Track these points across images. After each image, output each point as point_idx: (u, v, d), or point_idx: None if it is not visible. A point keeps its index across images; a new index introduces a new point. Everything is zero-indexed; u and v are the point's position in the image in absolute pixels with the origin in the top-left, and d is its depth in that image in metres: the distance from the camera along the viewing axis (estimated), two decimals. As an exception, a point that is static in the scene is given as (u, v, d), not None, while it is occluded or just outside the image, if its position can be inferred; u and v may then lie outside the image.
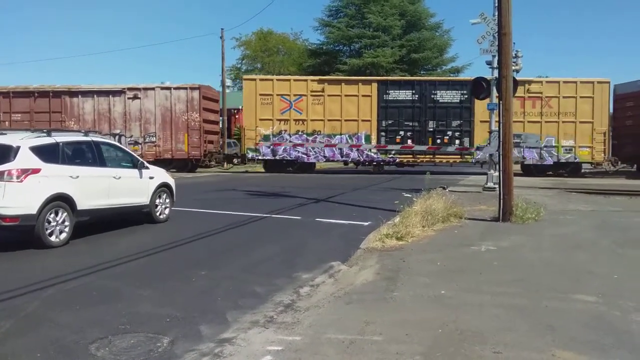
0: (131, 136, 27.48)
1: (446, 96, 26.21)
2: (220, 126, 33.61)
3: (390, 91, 26.49)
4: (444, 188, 16.28)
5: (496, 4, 13.46)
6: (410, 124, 26.37)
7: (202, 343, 4.38)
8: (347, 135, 26.53)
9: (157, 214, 10.77)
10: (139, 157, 10.83)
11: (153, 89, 27.81)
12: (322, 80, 27.53)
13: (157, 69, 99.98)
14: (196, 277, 6.56)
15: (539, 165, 25.81)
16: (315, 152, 26.73)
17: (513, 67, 14.10)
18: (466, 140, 26.08)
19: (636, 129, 25.24)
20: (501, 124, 10.70)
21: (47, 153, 8.44)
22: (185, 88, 27.74)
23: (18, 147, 8.08)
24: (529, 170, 26.05)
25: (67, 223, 8.44)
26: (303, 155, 26.77)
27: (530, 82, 25.90)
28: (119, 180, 9.67)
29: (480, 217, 10.92)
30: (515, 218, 10.40)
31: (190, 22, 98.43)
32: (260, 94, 26.75)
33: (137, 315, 5.08)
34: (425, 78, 26.65)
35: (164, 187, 11.01)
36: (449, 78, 26.35)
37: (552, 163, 25.75)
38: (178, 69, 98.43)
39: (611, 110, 27.10)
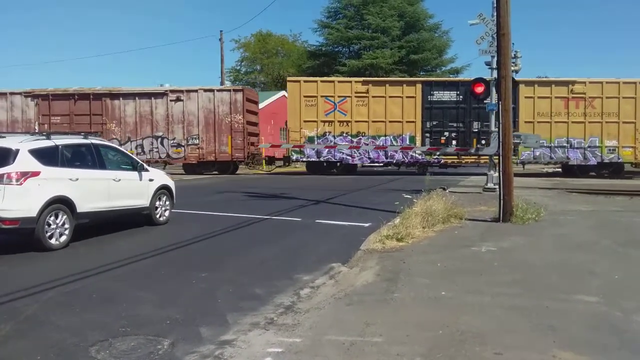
0: (174, 138, 27.51)
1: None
2: None
3: (434, 92, 26.49)
4: (444, 189, 16.28)
5: (495, 5, 13.47)
6: (455, 124, 26.40)
7: (203, 345, 4.37)
8: (391, 137, 26.51)
9: (157, 216, 10.76)
10: (138, 159, 10.83)
11: (196, 91, 27.83)
12: (366, 81, 27.53)
13: (155, 71, 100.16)
14: (196, 279, 6.55)
15: (582, 166, 26.00)
16: (359, 153, 26.71)
17: (512, 68, 14.13)
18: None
19: None
20: (500, 125, 10.70)
21: (47, 156, 8.43)
22: (229, 90, 27.93)
23: (17, 150, 8.07)
24: (571, 171, 26.25)
25: (67, 226, 8.43)
26: (347, 157, 26.77)
27: (573, 83, 26.04)
28: (118, 182, 9.67)
29: (480, 218, 10.91)
30: (515, 219, 10.40)
31: (189, 24, 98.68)
32: (305, 96, 26.78)
33: (138, 318, 5.07)
34: (469, 79, 26.57)
35: (163, 189, 11.00)
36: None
37: (595, 163, 25.93)
38: (177, 71, 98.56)
39: None
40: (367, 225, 10.41)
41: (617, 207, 13.48)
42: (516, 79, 25.95)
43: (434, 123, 26.37)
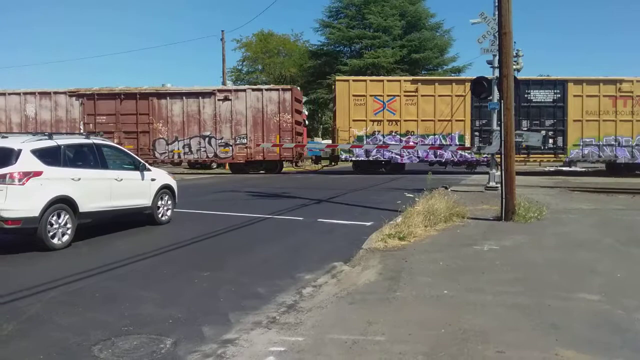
0: (222, 138, 27.45)
1: (539, 95, 26.26)
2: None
3: None
4: (446, 188, 16.29)
5: (496, 4, 13.46)
6: None
7: (205, 344, 4.38)
8: (440, 136, 26.40)
9: (159, 215, 10.77)
10: (140, 159, 10.84)
11: (244, 90, 27.86)
12: (415, 80, 27.43)
13: (157, 71, 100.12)
14: (198, 278, 6.56)
15: (630, 164, 26.09)
16: (408, 152, 26.62)
17: (514, 66, 14.12)
18: (560, 140, 26.22)
19: None
20: (502, 124, 10.69)
21: (49, 156, 8.45)
22: (277, 89, 27.84)
23: (20, 150, 8.08)
24: (618, 169, 26.27)
25: (69, 225, 8.44)
26: (396, 156, 26.72)
27: (621, 82, 26.05)
28: (120, 182, 9.68)
29: (482, 217, 10.91)
30: (517, 217, 10.39)
31: (190, 24, 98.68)
32: (353, 95, 26.68)
33: (140, 317, 5.07)
34: (519, 77, 26.55)
35: (165, 188, 11.01)
36: (542, 77, 26.38)
37: None
38: (178, 71, 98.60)
39: None
40: (369, 224, 10.41)
41: (620, 205, 13.46)
42: (564, 77, 26.29)
43: (483, 122, 26.10)
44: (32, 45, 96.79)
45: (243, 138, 27.37)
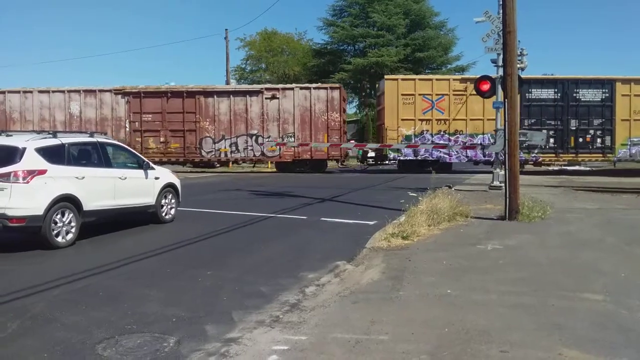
0: (269, 136, 27.44)
1: (588, 95, 26.36)
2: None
3: (532, 90, 26.39)
4: (449, 187, 16.27)
5: (501, 2, 13.41)
6: (553, 122, 26.41)
7: (208, 343, 4.38)
8: (489, 135, 26.07)
9: (163, 214, 10.79)
10: (144, 158, 10.86)
11: (292, 89, 27.89)
12: (464, 79, 27.45)
13: (161, 69, 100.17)
14: (202, 277, 6.57)
15: None
16: (456, 151, 26.55)
17: (518, 65, 14.07)
18: (607, 139, 26.31)
19: None
20: (506, 122, 10.65)
21: (53, 154, 8.47)
22: (325, 88, 27.85)
23: (24, 149, 8.11)
24: None
25: (73, 224, 8.47)
26: (445, 156, 26.70)
27: None
28: (124, 180, 9.70)
29: (486, 216, 10.89)
30: (521, 217, 10.36)
31: (194, 23, 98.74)
32: (402, 94, 26.68)
33: (144, 315, 5.08)
34: (567, 77, 26.41)
35: (169, 187, 11.03)
36: (590, 77, 26.43)
37: None
38: (182, 70, 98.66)
39: None
40: (372, 223, 10.40)
41: (623, 205, 13.42)
42: (613, 76, 26.26)
43: (532, 121, 26.23)
44: (33, 46, 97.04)
45: (291, 137, 27.34)
